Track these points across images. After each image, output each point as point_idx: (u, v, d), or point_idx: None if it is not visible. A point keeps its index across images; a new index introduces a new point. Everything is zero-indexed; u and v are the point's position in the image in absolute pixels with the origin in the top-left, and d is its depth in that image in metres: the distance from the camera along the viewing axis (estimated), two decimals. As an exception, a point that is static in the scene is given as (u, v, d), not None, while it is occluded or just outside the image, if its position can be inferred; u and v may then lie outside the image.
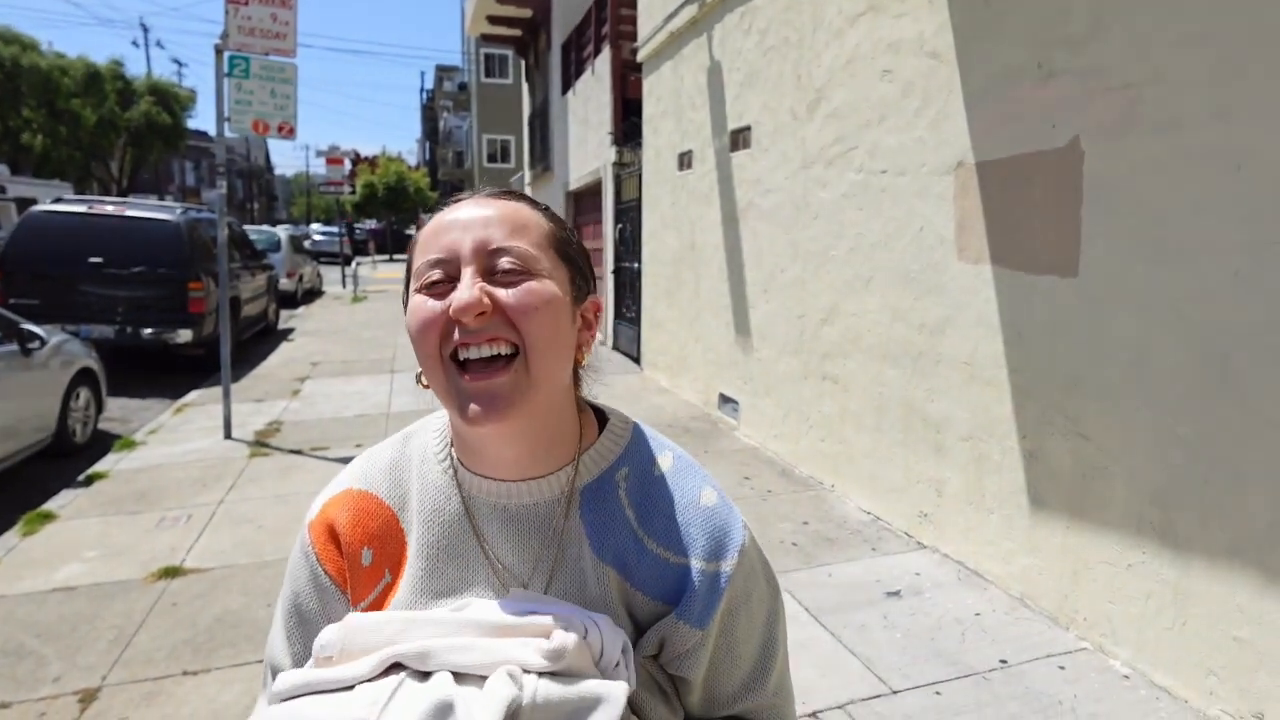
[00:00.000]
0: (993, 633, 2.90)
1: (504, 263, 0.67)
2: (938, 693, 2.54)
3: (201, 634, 2.93)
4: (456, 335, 0.64)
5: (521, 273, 0.67)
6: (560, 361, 0.69)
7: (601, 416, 0.79)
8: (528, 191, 16.34)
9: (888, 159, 3.88)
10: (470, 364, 0.65)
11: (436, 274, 0.67)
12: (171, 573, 3.42)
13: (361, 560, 0.74)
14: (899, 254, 3.83)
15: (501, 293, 0.65)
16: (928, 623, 2.98)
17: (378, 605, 0.73)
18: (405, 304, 0.71)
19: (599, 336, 10.25)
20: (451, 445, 0.75)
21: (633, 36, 8.13)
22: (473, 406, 0.64)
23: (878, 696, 2.53)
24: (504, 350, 0.65)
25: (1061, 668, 2.68)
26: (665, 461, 0.76)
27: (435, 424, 0.79)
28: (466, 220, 0.69)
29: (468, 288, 0.64)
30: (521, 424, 0.67)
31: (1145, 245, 2.56)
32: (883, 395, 4.01)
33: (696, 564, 0.71)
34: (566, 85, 12.01)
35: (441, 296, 0.66)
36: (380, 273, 25.53)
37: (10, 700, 2.50)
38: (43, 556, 3.60)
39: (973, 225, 3.34)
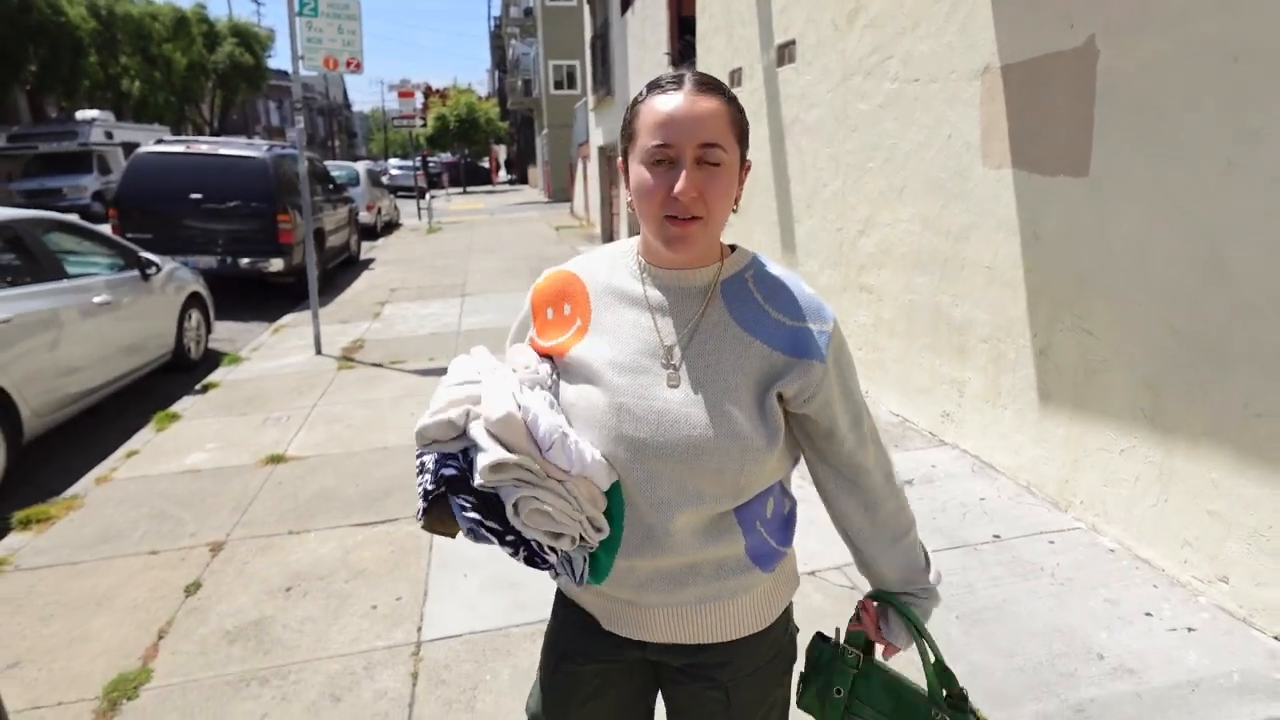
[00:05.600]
0: (993, 514, 3.15)
1: (708, 155, 0.94)
2: (928, 559, 2.83)
3: (302, 505, 3.50)
4: (670, 209, 0.95)
5: (716, 165, 0.94)
6: (726, 214, 1.00)
7: (733, 247, 1.12)
8: (591, 120, 16.30)
9: (920, 67, 3.92)
10: (675, 218, 0.96)
11: (659, 155, 0.94)
12: (276, 459, 4.03)
13: (562, 310, 1.09)
14: (929, 162, 3.91)
15: (704, 181, 0.94)
16: (933, 506, 3.25)
17: (576, 336, 1.06)
18: (625, 160, 1.02)
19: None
20: (638, 252, 1.08)
21: (686, -49, 8.02)
22: (673, 242, 0.97)
23: (873, 561, 2.84)
24: (697, 213, 0.96)
25: (1051, 542, 2.91)
26: (776, 269, 1.08)
27: (627, 244, 1.12)
28: (684, 117, 0.93)
29: (686, 180, 0.93)
30: (696, 248, 1.00)
31: (1149, 142, 2.63)
32: (912, 303, 4.16)
33: (809, 325, 1.02)
34: (626, 4, 11.89)
35: (661, 173, 0.94)
36: (455, 204, 26.23)
37: (159, 548, 3.13)
38: (173, 447, 4.27)
39: (997, 130, 3.40)
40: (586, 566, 1.06)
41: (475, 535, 1.00)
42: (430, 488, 1.00)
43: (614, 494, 1.02)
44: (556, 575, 1.10)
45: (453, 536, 1.07)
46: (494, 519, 0.99)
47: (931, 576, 1.16)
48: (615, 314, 1.05)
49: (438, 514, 1.03)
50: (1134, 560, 2.76)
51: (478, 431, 0.97)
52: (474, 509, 0.99)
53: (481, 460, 0.95)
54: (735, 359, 1.00)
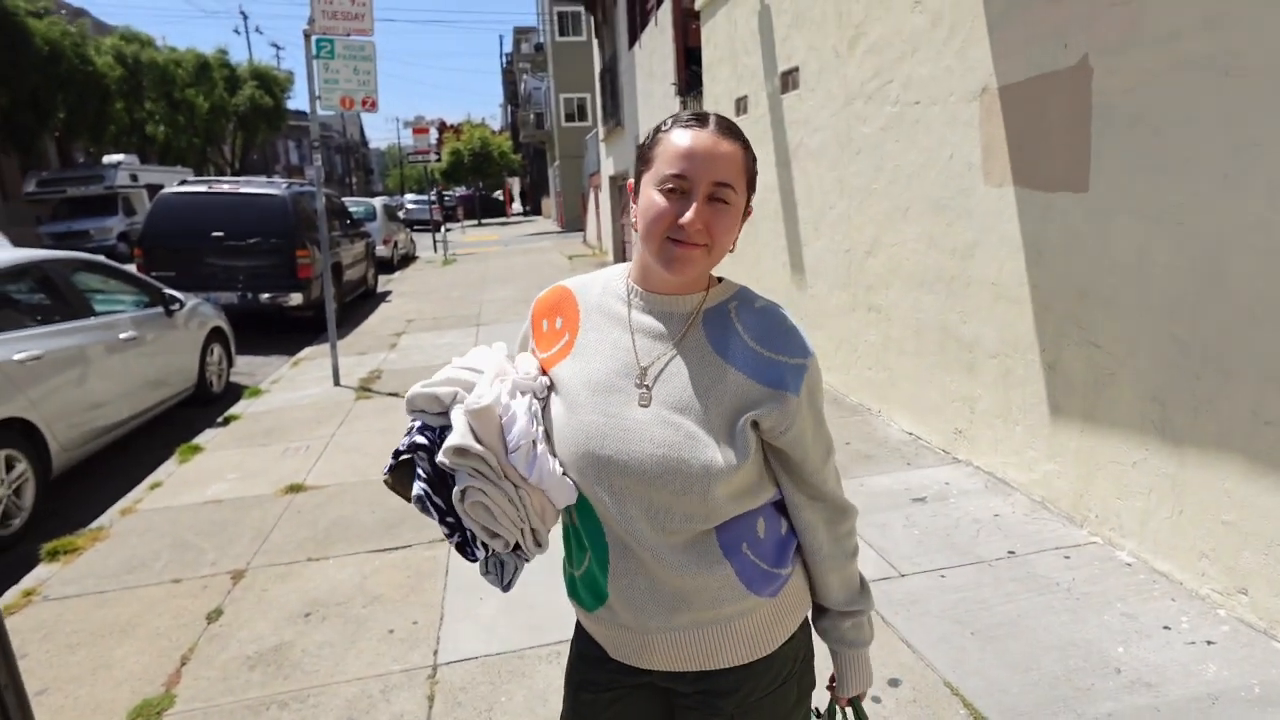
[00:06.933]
0: (1007, 530, 3.13)
1: (719, 193, 0.98)
2: (942, 575, 2.82)
3: (320, 532, 3.55)
4: (675, 234, 0.99)
5: (725, 203, 0.99)
6: (726, 249, 1.03)
7: (719, 279, 1.15)
8: (601, 150, 16.56)
9: (920, 90, 3.99)
10: (678, 240, 1.00)
11: (673, 184, 0.98)
12: (296, 489, 4.09)
13: (555, 324, 1.14)
14: (932, 182, 3.96)
15: (711, 216, 0.98)
16: (946, 523, 3.24)
17: (561, 353, 1.11)
18: (636, 182, 1.05)
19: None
20: (629, 276, 1.12)
21: (690, -16, 8.21)
22: (673, 262, 1.00)
23: (887, 579, 2.84)
24: (701, 242, 1.00)
25: (1067, 557, 2.90)
26: (760, 302, 1.10)
27: (620, 268, 1.16)
28: (705, 153, 0.98)
29: (695, 212, 0.97)
30: (693, 271, 1.02)
31: (1146, 157, 2.66)
32: (920, 321, 4.19)
33: (786, 358, 1.03)
34: (633, 38, 12.15)
35: (672, 200, 0.98)
36: (470, 236, 26.60)
37: (181, 577, 3.19)
38: (195, 478, 4.35)
39: (997, 149, 3.45)
40: (515, 577, 1.13)
41: (422, 505, 1.06)
42: (401, 449, 1.08)
43: (588, 511, 1.06)
44: (486, 573, 1.14)
45: (408, 500, 1.13)
46: (441, 497, 1.05)
47: (868, 601, 1.19)
48: (599, 333, 1.09)
49: (401, 476, 1.10)
50: (1151, 574, 2.74)
51: (456, 415, 1.03)
52: (428, 480, 1.06)
53: (448, 441, 1.02)
54: (708, 383, 1.02)
